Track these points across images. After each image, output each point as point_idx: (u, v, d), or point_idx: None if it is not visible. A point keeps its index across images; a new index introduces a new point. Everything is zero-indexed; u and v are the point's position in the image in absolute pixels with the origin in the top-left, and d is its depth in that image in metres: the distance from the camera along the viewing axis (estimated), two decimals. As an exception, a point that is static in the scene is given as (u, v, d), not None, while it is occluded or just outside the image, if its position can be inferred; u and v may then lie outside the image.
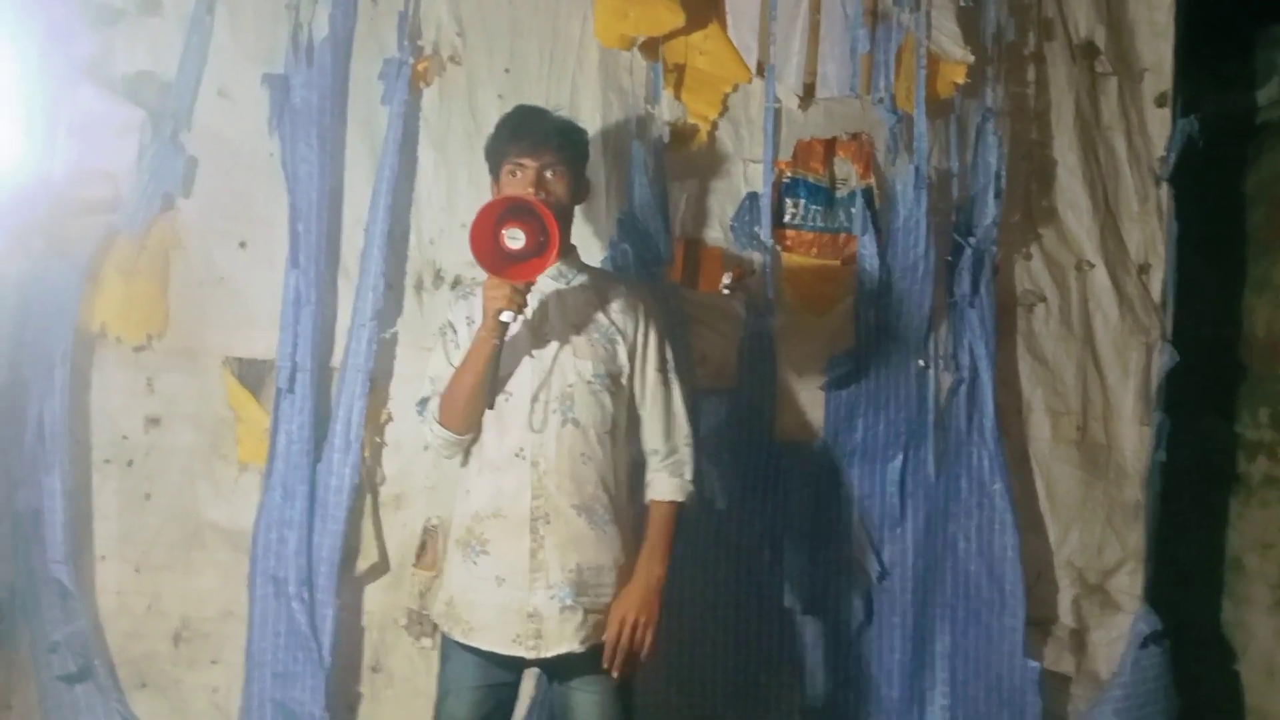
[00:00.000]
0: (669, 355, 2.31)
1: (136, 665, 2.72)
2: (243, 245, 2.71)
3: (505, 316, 2.07)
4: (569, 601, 2.14)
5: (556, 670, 2.23)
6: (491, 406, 2.15)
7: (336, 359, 2.68)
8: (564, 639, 2.15)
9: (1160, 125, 3.03)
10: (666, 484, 2.26)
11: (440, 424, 2.19)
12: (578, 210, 2.34)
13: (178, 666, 2.73)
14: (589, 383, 2.18)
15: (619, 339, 2.23)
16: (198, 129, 2.68)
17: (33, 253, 2.65)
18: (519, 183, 2.17)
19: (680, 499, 2.27)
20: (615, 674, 2.15)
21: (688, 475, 2.28)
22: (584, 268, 2.32)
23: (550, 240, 2.04)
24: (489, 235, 2.05)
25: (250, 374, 2.71)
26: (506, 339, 2.10)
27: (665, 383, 2.28)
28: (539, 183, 2.16)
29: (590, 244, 2.67)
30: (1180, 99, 3.04)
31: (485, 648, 2.17)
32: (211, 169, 2.69)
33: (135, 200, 2.65)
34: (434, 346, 2.29)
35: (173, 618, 2.73)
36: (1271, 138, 3.32)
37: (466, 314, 2.23)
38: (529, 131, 2.21)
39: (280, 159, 2.67)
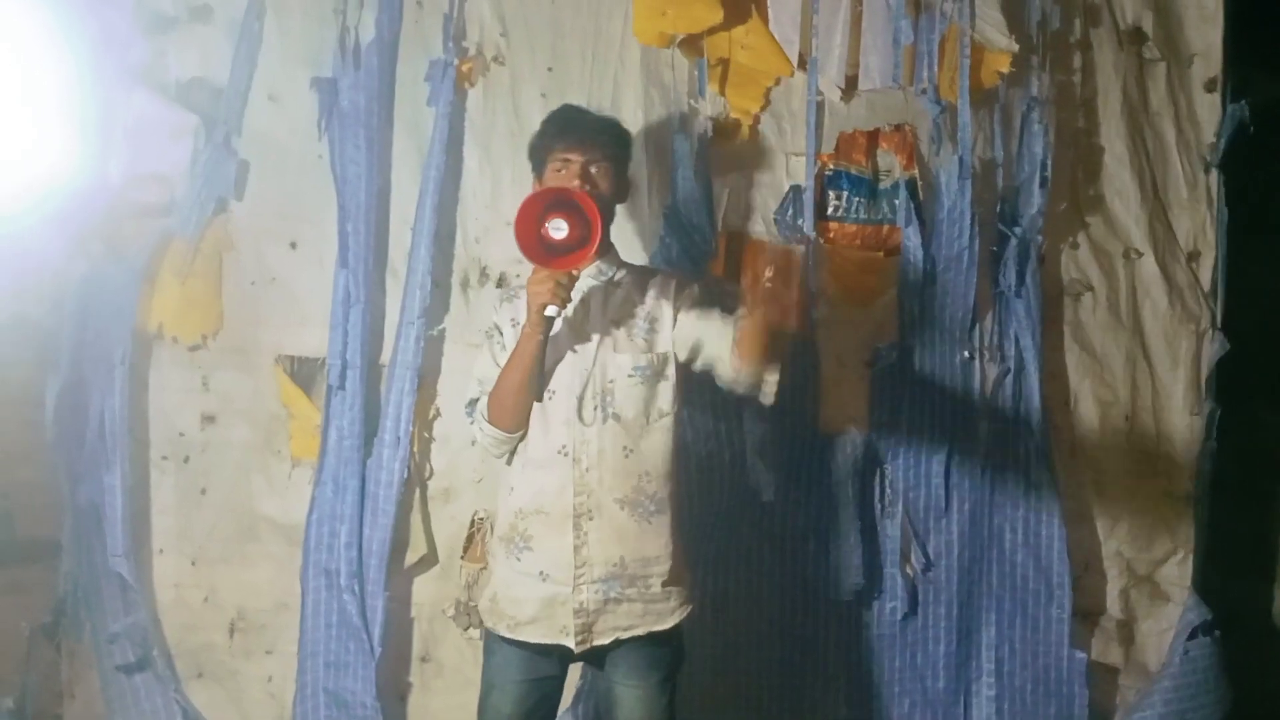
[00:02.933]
0: (708, 293, 2.29)
1: (194, 655, 2.78)
2: (293, 246, 2.75)
3: (550, 311, 2.08)
4: (614, 594, 2.17)
5: (602, 661, 2.25)
6: (540, 400, 2.17)
7: (385, 356, 2.72)
8: (609, 631, 2.18)
9: (1210, 111, 3.00)
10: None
11: (490, 423, 2.22)
12: (621, 208, 2.36)
13: (233, 657, 2.79)
14: (629, 376, 2.19)
15: (657, 325, 2.24)
16: (249, 133, 2.72)
17: (92, 256, 2.71)
18: (564, 177, 2.18)
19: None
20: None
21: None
22: (622, 264, 2.33)
23: (593, 231, 2.05)
24: (533, 226, 2.07)
25: (302, 372, 2.75)
26: (551, 335, 2.12)
27: (713, 300, 2.26)
28: (585, 177, 2.18)
29: (634, 240, 2.69)
30: (1230, 84, 3.00)
31: (533, 640, 2.20)
32: (262, 172, 2.73)
33: (189, 203, 2.69)
34: (480, 348, 2.32)
35: (228, 609, 2.78)
36: (1324, 122, 3.26)
37: (511, 316, 2.25)
38: (576, 127, 2.23)
39: (329, 161, 2.70)
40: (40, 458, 2.87)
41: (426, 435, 2.74)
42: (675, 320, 2.24)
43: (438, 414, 2.74)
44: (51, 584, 2.89)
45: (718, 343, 2.19)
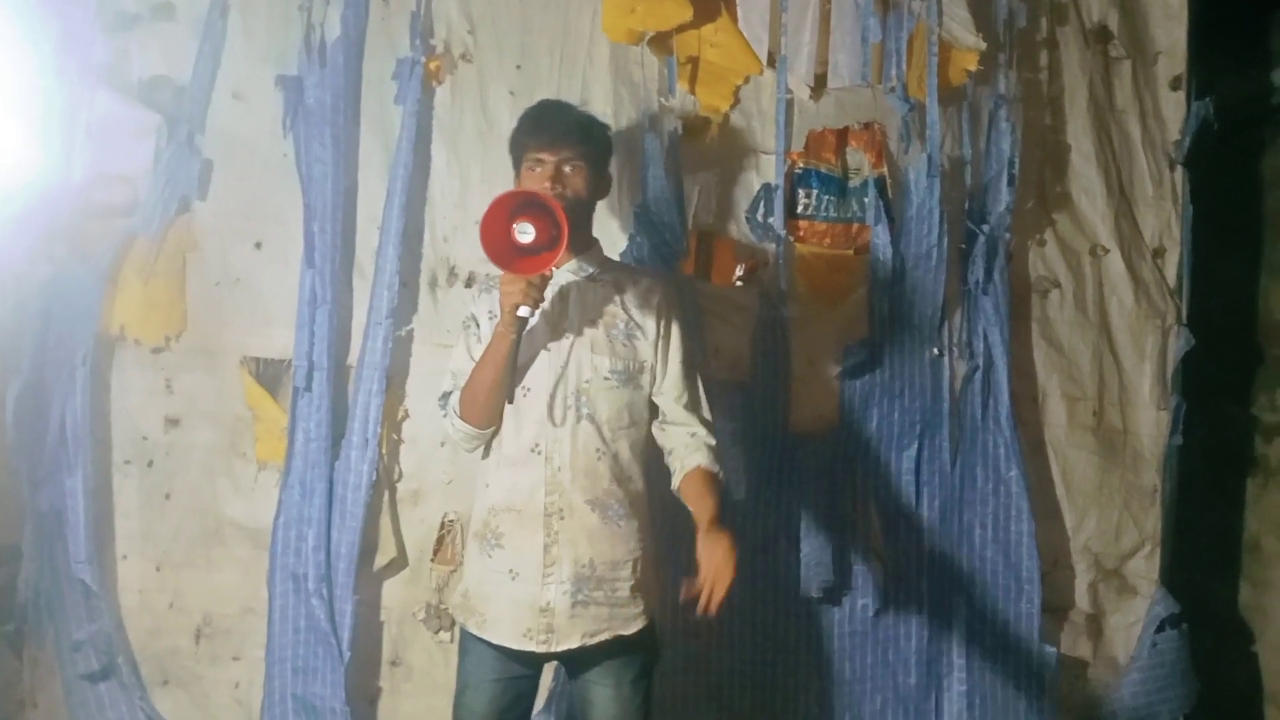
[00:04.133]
0: (691, 348, 2.31)
1: (159, 662, 2.75)
2: (258, 246, 2.72)
3: (522, 312, 2.07)
4: (581, 596, 2.15)
5: (573, 663, 2.25)
6: (511, 401, 2.15)
7: (353, 357, 2.70)
8: (575, 634, 2.16)
9: (1175, 109, 3.03)
10: (704, 455, 2.24)
11: (461, 418, 2.20)
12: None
13: (199, 663, 2.76)
14: (605, 379, 2.18)
15: (639, 334, 2.23)
16: (213, 131, 2.70)
17: (54, 257, 2.67)
18: (538, 177, 2.17)
19: (717, 470, 2.24)
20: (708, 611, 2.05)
21: (716, 454, 2.26)
22: (605, 262, 2.31)
23: (560, 234, 2.04)
24: (500, 229, 2.05)
25: (267, 373, 2.72)
26: (525, 333, 2.11)
27: (689, 374, 2.27)
28: (557, 177, 2.16)
29: (605, 239, 2.66)
30: (1194, 82, 3.03)
31: (497, 642, 2.19)
32: (227, 171, 2.71)
33: (152, 203, 2.66)
34: (456, 340, 2.29)
35: (194, 615, 2.75)
36: (1287, 120, 3.30)
37: (489, 308, 2.22)
38: (548, 126, 2.21)
39: (295, 159, 2.68)
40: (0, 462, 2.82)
41: (395, 437, 2.72)
42: (660, 343, 2.23)
43: (406, 415, 2.72)
44: (12, 591, 2.84)
45: (676, 421, 2.26)
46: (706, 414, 2.29)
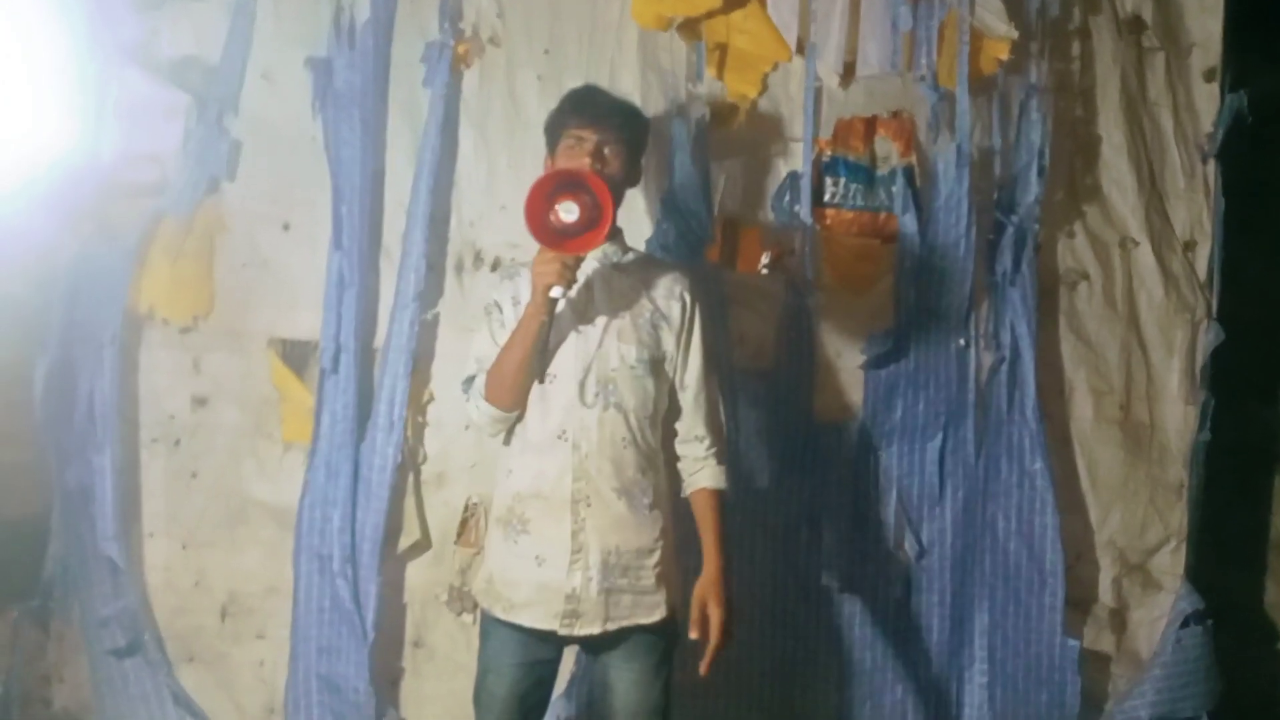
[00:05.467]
0: (711, 345, 2.30)
1: (184, 640, 2.77)
2: (286, 227, 2.73)
3: (555, 292, 2.06)
4: (607, 584, 2.15)
5: (595, 648, 2.25)
6: (543, 381, 2.15)
7: (379, 340, 2.71)
8: (600, 619, 2.16)
9: (1208, 101, 3.00)
10: (713, 473, 2.26)
11: (487, 400, 2.19)
12: (622, 191, 2.34)
13: (224, 641, 2.78)
14: (632, 367, 2.17)
15: (663, 324, 2.22)
16: (242, 112, 2.70)
17: (82, 236, 2.69)
18: (577, 153, 2.15)
19: (725, 487, 2.27)
20: (705, 671, 2.16)
21: (724, 463, 2.28)
22: (629, 251, 2.30)
23: (603, 214, 2.03)
24: (542, 208, 2.04)
25: (294, 354, 2.74)
26: (554, 316, 2.11)
27: (707, 372, 2.26)
28: (597, 156, 2.15)
29: (631, 225, 2.66)
30: (1229, 74, 3.00)
31: (526, 624, 2.19)
32: (255, 152, 2.72)
33: (181, 183, 2.68)
34: (479, 326, 2.28)
35: (219, 593, 2.77)
36: (1321, 114, 3.26)
37: (512, 294, 2.22)
38: (594, 105, 2.21)
39: (323, 142, 2.68)
40: (24, 439, 2.84)
41: (420, 419, 2.73)
42: (683, 335, 2.23)
43: (431, 398, 2.73)
44: (39, 566, 2.86)
45: (692, 422, 2.27)
46: (712, 423, 2.27)
